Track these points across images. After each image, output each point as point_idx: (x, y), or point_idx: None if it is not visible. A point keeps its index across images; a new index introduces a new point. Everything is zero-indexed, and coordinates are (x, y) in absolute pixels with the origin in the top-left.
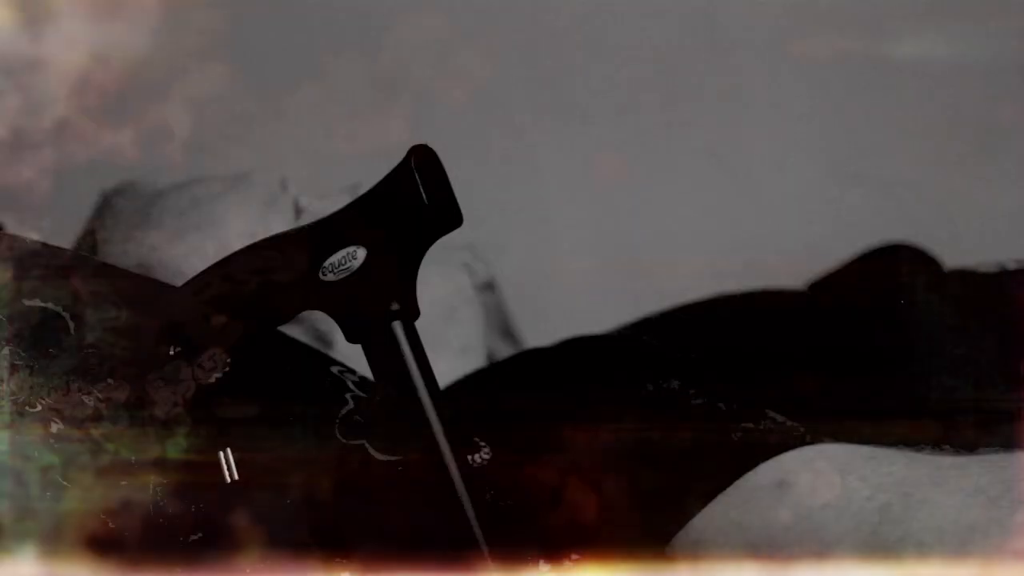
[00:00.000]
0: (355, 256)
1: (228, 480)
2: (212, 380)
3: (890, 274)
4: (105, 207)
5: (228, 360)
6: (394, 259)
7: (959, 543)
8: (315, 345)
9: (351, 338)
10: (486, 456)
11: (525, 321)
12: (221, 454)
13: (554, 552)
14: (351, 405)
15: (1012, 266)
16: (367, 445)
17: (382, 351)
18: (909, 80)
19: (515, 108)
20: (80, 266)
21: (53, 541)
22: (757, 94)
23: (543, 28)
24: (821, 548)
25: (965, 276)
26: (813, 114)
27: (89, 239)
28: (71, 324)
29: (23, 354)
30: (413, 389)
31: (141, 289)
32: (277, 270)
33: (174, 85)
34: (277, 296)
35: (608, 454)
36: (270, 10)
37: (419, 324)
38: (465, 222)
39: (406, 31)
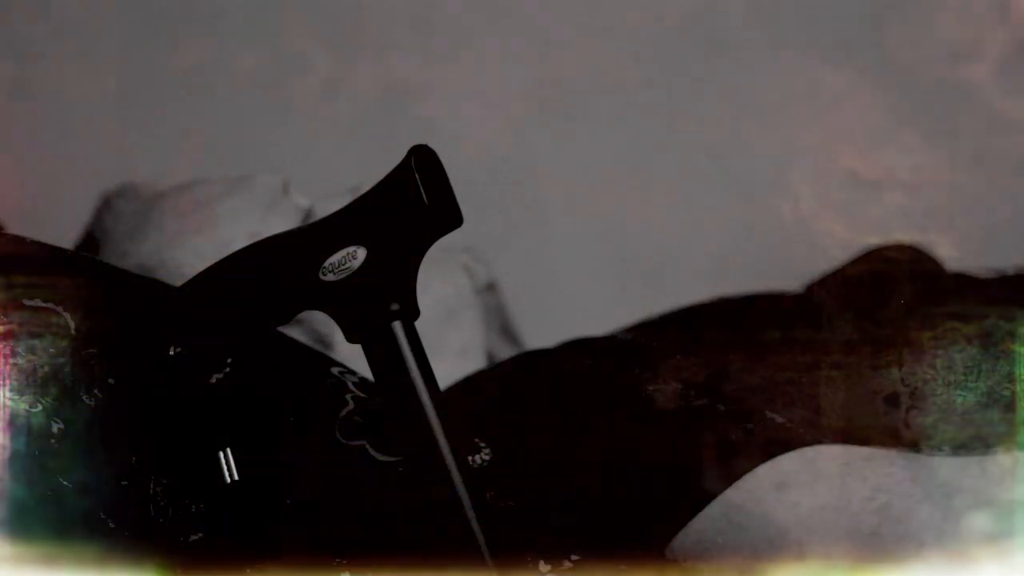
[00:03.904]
0: (355, 256)
1: (228, 480)
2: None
3: (890, 274)
4: (105, 209)
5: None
6: (394, 259)
7: (958, 543)
8: (315, 346)
9: (351, 338)
10: (486, 456)
11: (525, 322)
12: (221, 454)
13: (554, 552)
14: (351, 406)
15: (1011, 272)
16: (367, 446)
17: (382, 351)
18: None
19: (515, 108)
20: (81, 266)
21: None
22: (757, 94)
23: (543, 27)
24: (821, 548)
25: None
26: (813, 113)
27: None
28: (71, 324)
29: (23, 354)
30: (413, 389)
31: (141, 290)
32: (277, 270)
33: None
34: (277, 296)
35: (608, 455)
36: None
37: (419, 325)
38: (465, 222)
39: (408, 31)
